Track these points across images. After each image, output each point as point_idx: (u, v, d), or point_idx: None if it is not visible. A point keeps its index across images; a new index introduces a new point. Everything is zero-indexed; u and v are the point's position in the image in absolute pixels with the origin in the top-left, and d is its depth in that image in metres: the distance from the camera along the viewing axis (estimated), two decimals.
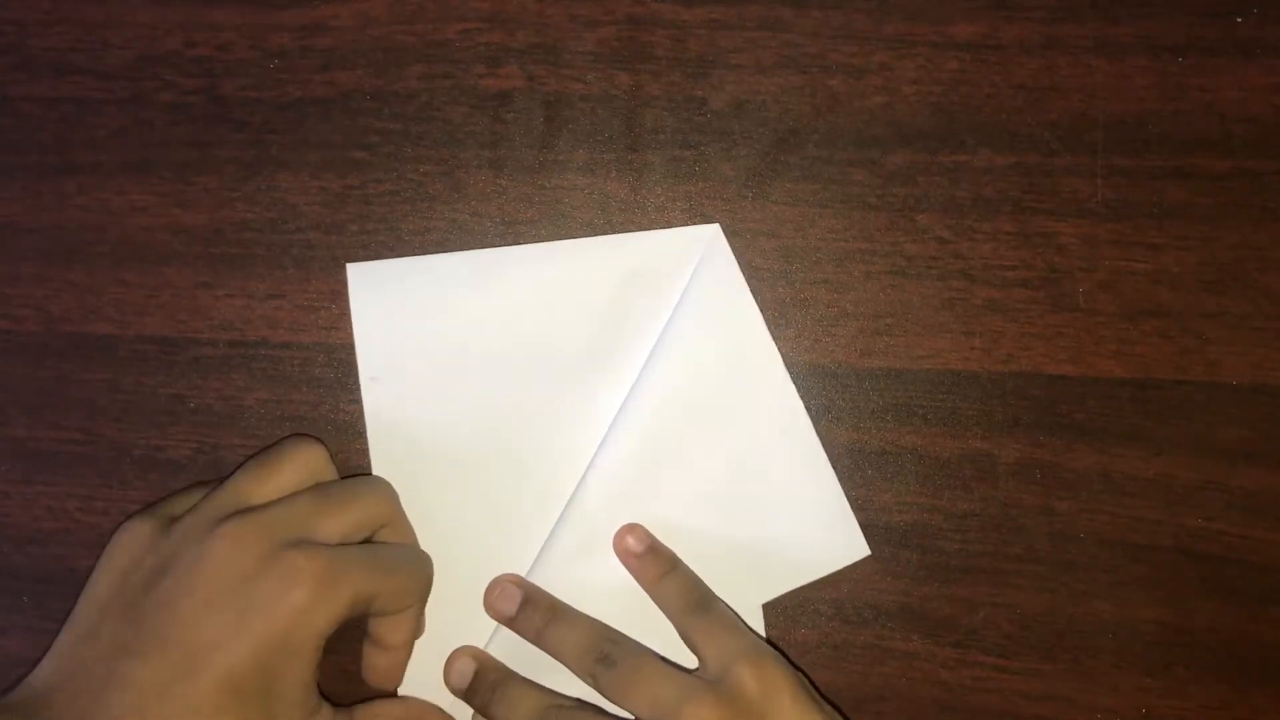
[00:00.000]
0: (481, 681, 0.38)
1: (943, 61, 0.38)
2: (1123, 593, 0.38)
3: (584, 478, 0.39)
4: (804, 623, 0.39)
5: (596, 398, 0.39)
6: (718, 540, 0.39)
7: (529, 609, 0.38)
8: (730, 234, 0.39)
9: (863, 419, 0.39)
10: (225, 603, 0.32)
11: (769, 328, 0.39)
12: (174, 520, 0.34)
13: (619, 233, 0.39)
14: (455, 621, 0.39)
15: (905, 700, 0.39)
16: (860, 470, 0.39)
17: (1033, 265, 0.38)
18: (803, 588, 0.39)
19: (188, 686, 0.31)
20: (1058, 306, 0.38)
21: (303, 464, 0.36)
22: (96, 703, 0.31)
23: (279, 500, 0.34)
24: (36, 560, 0.41)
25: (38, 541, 0.41)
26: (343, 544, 0.35)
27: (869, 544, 0.39)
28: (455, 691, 0.38)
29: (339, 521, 0.35)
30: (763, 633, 0.39)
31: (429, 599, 0.38)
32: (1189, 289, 0.38)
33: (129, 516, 0.35)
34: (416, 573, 0.37)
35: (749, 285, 0.39)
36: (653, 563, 0.38)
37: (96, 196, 0.40)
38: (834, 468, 0.39)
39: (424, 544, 0.39)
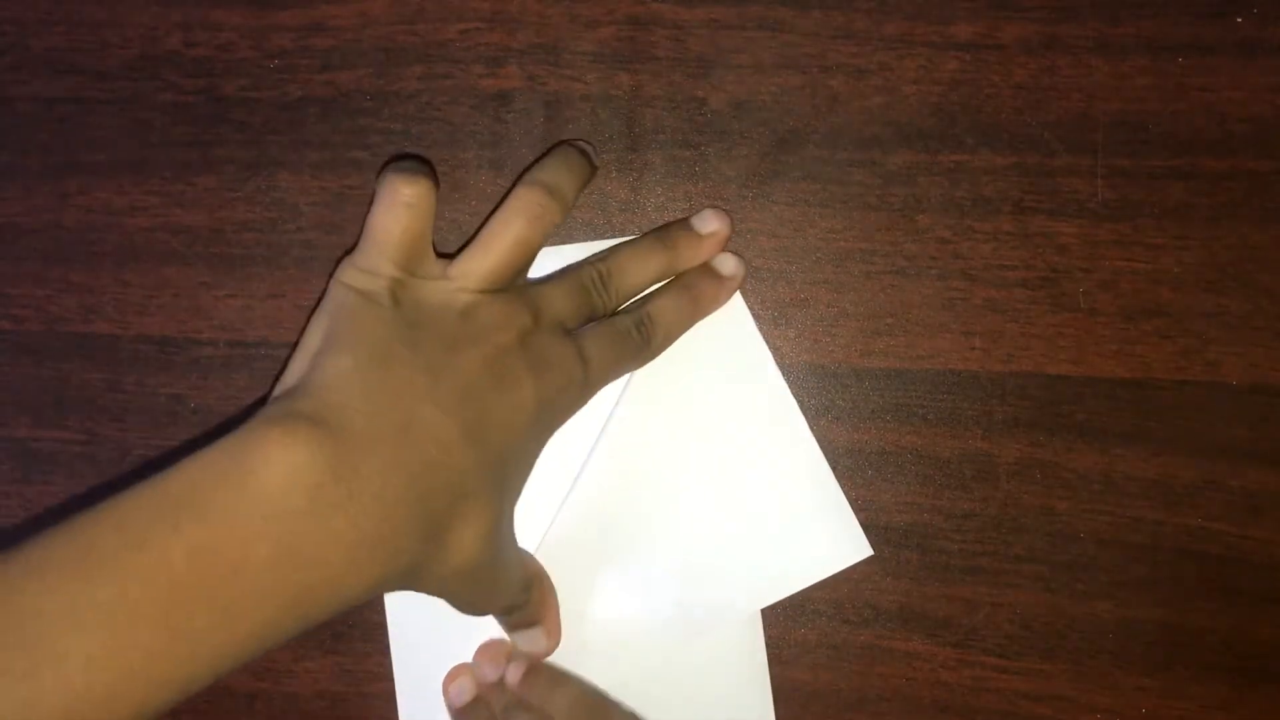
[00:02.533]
0: (485, 707, 0.38)
1: (943, 61, 0.38)
2: (1123, 593, 0.38)
3: (575, 485, 0.39)
4: (804, 623, 0.39)
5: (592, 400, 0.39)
6: (716, 546, 0.39)
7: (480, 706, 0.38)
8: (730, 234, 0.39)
9: (863, 419, 0.39)
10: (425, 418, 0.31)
11: (769, 327, 0.39)
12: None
13: (618, 234, 0.39)
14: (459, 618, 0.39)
15: (905, 700, 0.39)
16: (860, 470, 0.39)
17: (1033, 265, 0.38)
18: (803, 588, 0.39)
19: (470, 451, 0.31)
20: (1058, 306, 0.38)
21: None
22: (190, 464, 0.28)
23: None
24: None
25: None
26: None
27: (870, 543, 0.39)
28: (452, 708, 0.39)
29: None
30: (762, 637, 0.39)
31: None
32: (1189, 289, 0.38)
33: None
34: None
35: (749, 285, 0.39)
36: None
37: (96, 196, 0.40)
38: (834, 468, 0.39)
39: None
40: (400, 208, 0.34)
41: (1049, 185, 0.38)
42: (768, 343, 0.39)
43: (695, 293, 0.38)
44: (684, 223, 0.38)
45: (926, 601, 0.39)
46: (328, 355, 0.31)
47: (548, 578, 0.38)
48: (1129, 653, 0.38)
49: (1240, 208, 0.38)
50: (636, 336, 0.36)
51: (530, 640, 0.38)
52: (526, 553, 0.38)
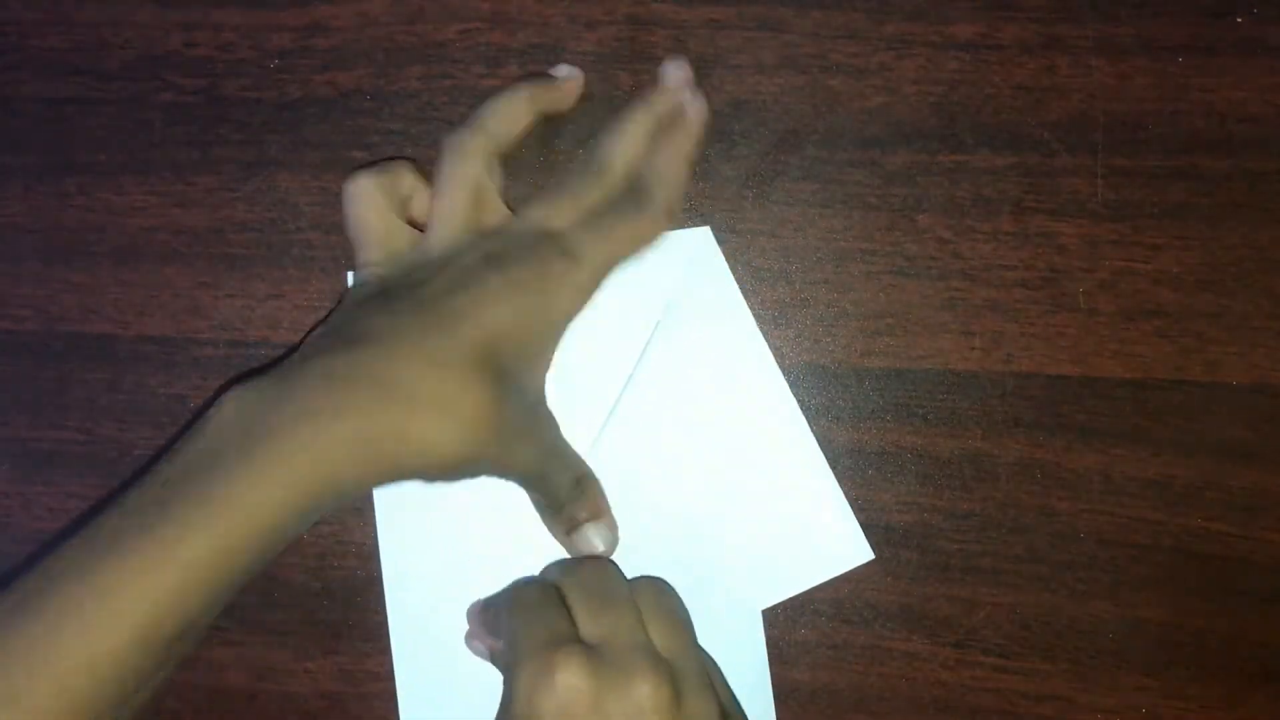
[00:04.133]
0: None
1: (943, 61, 0.38)
2: (1123, 593, 0.38)
3: None
4: (804, 623, 0.39)
5: (589, 401, 0.39)
6: (716, 548, 0.39)
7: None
8: (730, 234, 0.39)
9: (863, 419, 0.39)
10: (484, 280, 0.34)
11: (769, 327, 0.39)
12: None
13: None
14: (460, 616, 0.39)
15: (905, 700, 0.39)
16: (860, 470, 0.39)
17: (1033, 265, 0.38)
18: (802, 591, 0.39)
19: (442, 340, 0.33)
20: (1058, 306, 0.38)
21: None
22: (343, 355, 0.32)
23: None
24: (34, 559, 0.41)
25: (38, 541, 0.41)
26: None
27: (869, 544, 0.39)
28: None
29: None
30: (762, 638, 0.39)
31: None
32: (1189, 289, 0.38)
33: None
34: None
35: (749, 285, 0.39)
36: None
37: (96, 196, 0.40)
38: (834, 468, 0.39)
39: (421, 543, 0.39)
40: (347, 207, 0.37)
41: (1049, 185, 0.38)
42: (768, 343, 0.39)
43: (674, 131, 0.38)
44: (655, 85, 0.38)
45: (926, 601, 0.39)
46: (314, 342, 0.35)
47: (598, 480, 0.38)
48: (1129, 653, 0.38)
49: (1240, 208, 0.38)
50: (629, 203, 0.37)
51: (592, 536, 0.37)
52: (577, 455, 0.38)
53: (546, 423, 0.37)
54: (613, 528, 0.38)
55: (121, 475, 0.41)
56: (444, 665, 0.39)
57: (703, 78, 0.39)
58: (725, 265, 0.39)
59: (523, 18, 0.39)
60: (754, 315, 0.39)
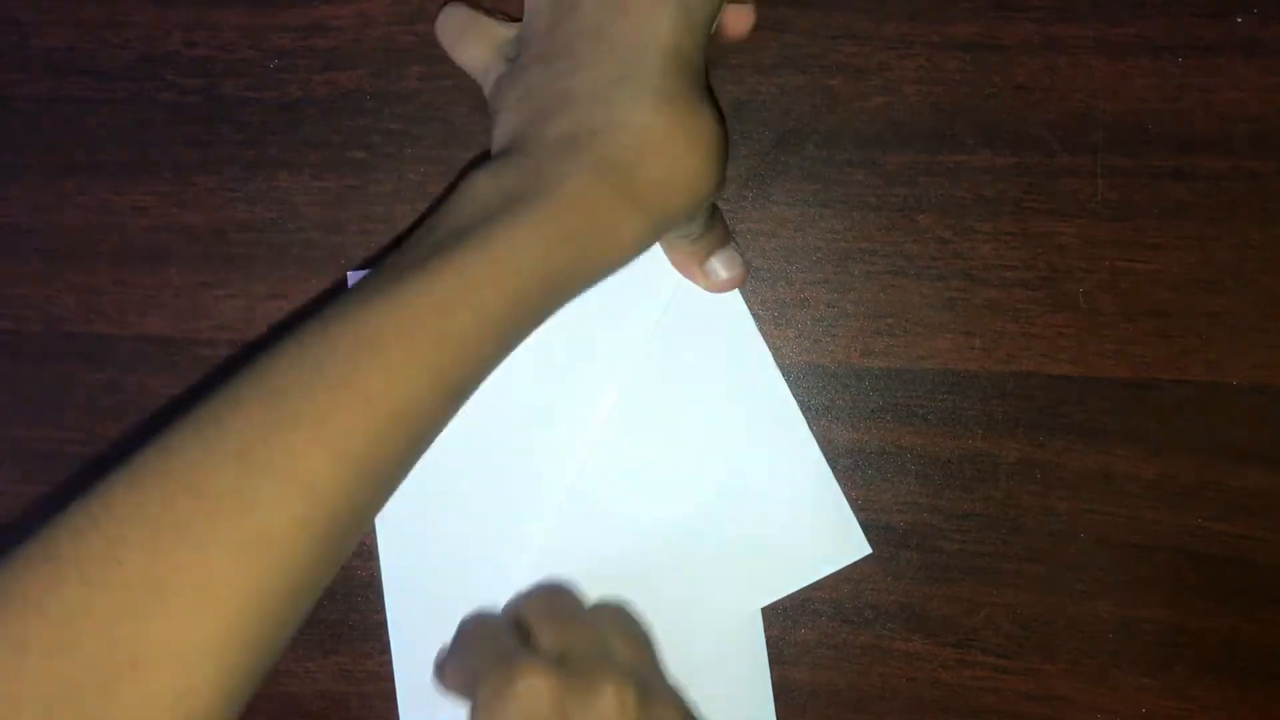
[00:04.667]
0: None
1: (943, 61, 0.38)
2: (1123, 593, 0.38)
3: (573, 485, 0.39)
4: (804, 623, 0.39)
5: (588, 400, 0.39)
6: (715, 545, 0.39)
7: None
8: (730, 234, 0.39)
9: (863, 419, 0.39)
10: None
11: (769, 327, 0.39)
12: None
13: None
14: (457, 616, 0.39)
15: (905, 700, 0.39)
16: (860, 470, 0.39)
17: (1033, 265, 0.38)
18: (803, 588, 0.39)
19: (645, 76, 0.31)
20: (1058, 306, 0.38)
21: None
22: (556, 120, 0.32)
23: None
24: None
25: None
26: None
27: (870, 543, 0.39)
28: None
29: None
30: (762, 637, 0.39)
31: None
32: (1189, 289, 0.38)
33: None
34: None
35: (749, 285, 0.39)
36: None
37: (96, 196, 0.40)
38: (834, 468, 0.39)
39: (421, 544, 0.39)
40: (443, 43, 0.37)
41: (1049, 185, 0.38)
42: (768, 343, 0.39)
43: None
44: None
45: (926, 601, 0.39)
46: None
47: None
48: (1129, 653, 0.38)
49: (1240, 208, 0.38)
50: None
51: (729, 260, 0.38)
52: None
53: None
54: (738, 254, 0.38)
55: None
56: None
57: None
58: (746, 308, 0.39)
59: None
60: (754, 315, 0.39)
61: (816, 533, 0.39)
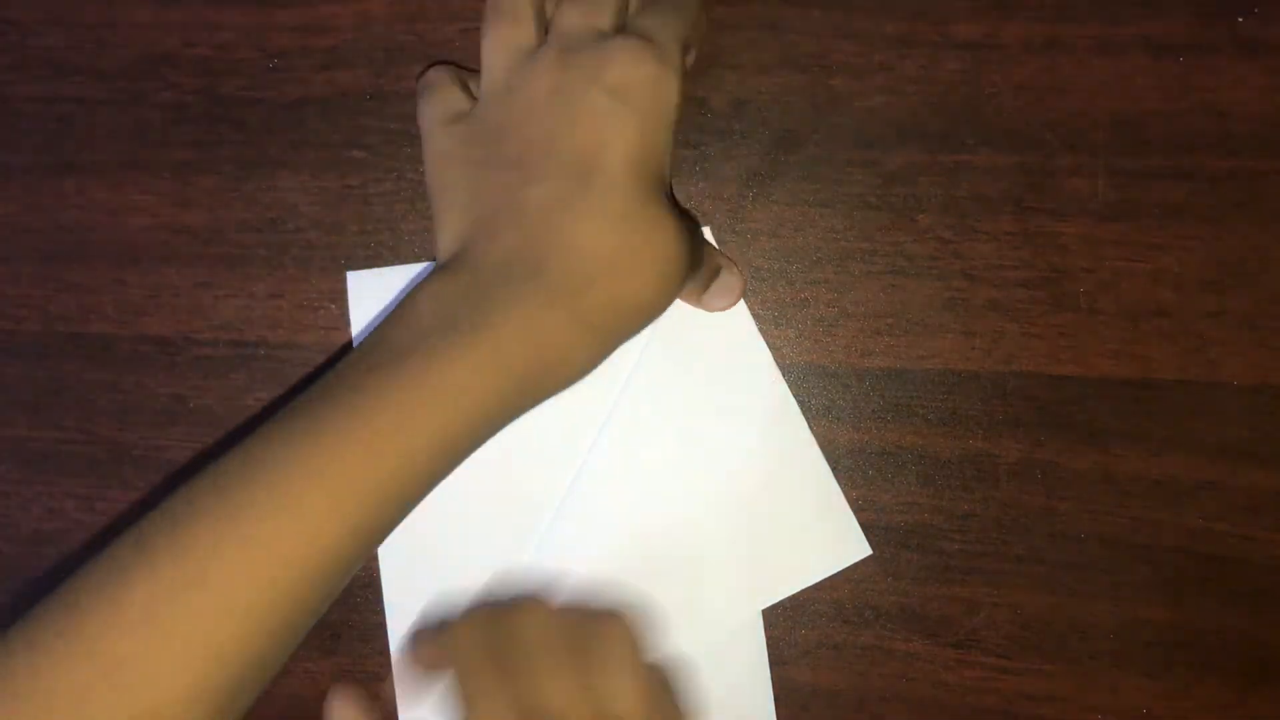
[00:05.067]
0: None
1: (944, 61, 0.38)
2: (1123, 593, 0.38)
3: (573, 485, 0.39)
4: (804, 623, 0.39)
5: (589, 401, 0.39)
6: (716, 546, 0.39)
7: None
8: (730, 234, 0.39)
9: (863, 419, 0.39)
10: (591, 105, 0.31)
11: (769, 327, 0.39)
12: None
13: None
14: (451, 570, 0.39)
15: (906, 701, 0.39)
16: (860, 470, 0.39)
17: (1034, 265, 0.38)
18: (803, 589, 0.39)
19: (598, 192, 0.31)
20: (1059, 306, 0.38)
21: None
22: (503, 236, 0.31)
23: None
24: (36, 560, 0.41)
25: (38, 541, 0.41)
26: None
27: (871, 544, 0.39)
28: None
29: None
30: (762, 638, 0.39)
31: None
32: (1190, 289, 0.38)
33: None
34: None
35: (749, 285, 0.39)
36: None
37: (96, 196, 0.40)
38: (834, 468, 0.39)
39: (420, 545, 0.39)
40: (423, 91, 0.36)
41: (1050, 185, 0.38)
42: (768, 343, 0.39)
43: None
44: None
45: (927, 602, 0.39)
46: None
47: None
48: (1129, 653, 0.38)
49: (1241, 208, 0.38)
50: None
51: (725, 289, 0.37)
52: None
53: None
54: (734, 276, 0.38)
55: (122, 475, 0.41)
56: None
57: (703, 77, 0.39)
58: (748, 314, 0.39)
59: None
60: (754, 315, 0.39)
61: (817, 534, 0.39)
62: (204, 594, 0.26)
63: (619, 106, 0.31)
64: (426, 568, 0.39)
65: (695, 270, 0.34)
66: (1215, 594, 0.38)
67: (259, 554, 0.27)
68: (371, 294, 0.39)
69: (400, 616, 0.40)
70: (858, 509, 0.39)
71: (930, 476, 0.39)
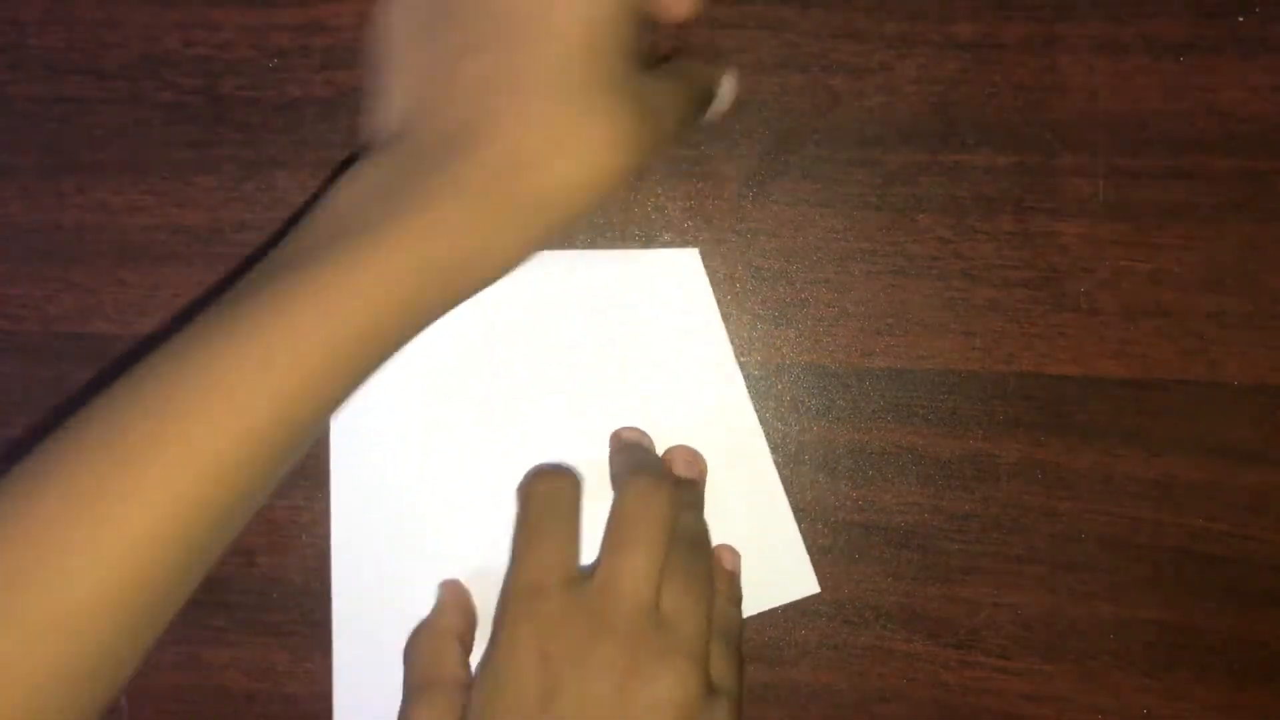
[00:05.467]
0: None
1: (944, 61, 0.38)
2: (1124, 593, 0.38)
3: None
4: (804, 623, 0.39)
5: (560, 415, 0.39)
6: None
7: None
8: (730, 234, 0.39)
9: (863, 419, 0.39)
10: None
11: (769, 327, 0.39)
12: None
13: (618, 235, 0.39)
14: (403, 573, 0.39)
15: (906, 701, 0.39)
16: (860, 470, 0.39)
17: (1034, 265, 0.38)
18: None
19: (536, 49, 0.28)
20: (1059, 306, 0.38)
21: None
22: (437, 115, 0.29)
23: None
24: None
25: None
26: None
27: (871, 544, 0.39)
28: None
29: None
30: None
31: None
32: (1190, 289, 0.38)
33: None
34: None
35: (749, 285, 0.39)
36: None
37: (96, 196, 0.40)
38: (834, 468, 0.39)
39: (386, 542, 0.39)
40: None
41: (1050, 185, 0.38)
42: (768, 343, 0.39)
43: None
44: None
45: (927, 602, 0.39)
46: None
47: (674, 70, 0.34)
48: (1129, 653, 0.38)
49: (1241, 208, 0.38)
50: None
51: (725, 91, 0.36)
52: (681, 72, 0.34)
53: (655, 79, 0.31)
54: (730, 79, 0.36)
55: None
56: (387, 675, 0.39)
57: None
58: (709, 289, 0.39)
59: None
60: (754, 315, 0.39)
61: (766, 564, 0.39)
62: (134, 481, 0.26)
63: None
64: (376, 572, 0.39)
65: (664, 143, 0.31)
66: (1215, 594, 0.38)
67: (190, 446, 0.26)
68: None
69: (347, 617, 0.39)
70: (858, 509, 0.39)
71: (930, 476, 0.39)
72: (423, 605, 0.39)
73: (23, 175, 0.41)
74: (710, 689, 0.34)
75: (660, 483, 0.36)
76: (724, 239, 0.39)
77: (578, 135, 0.28)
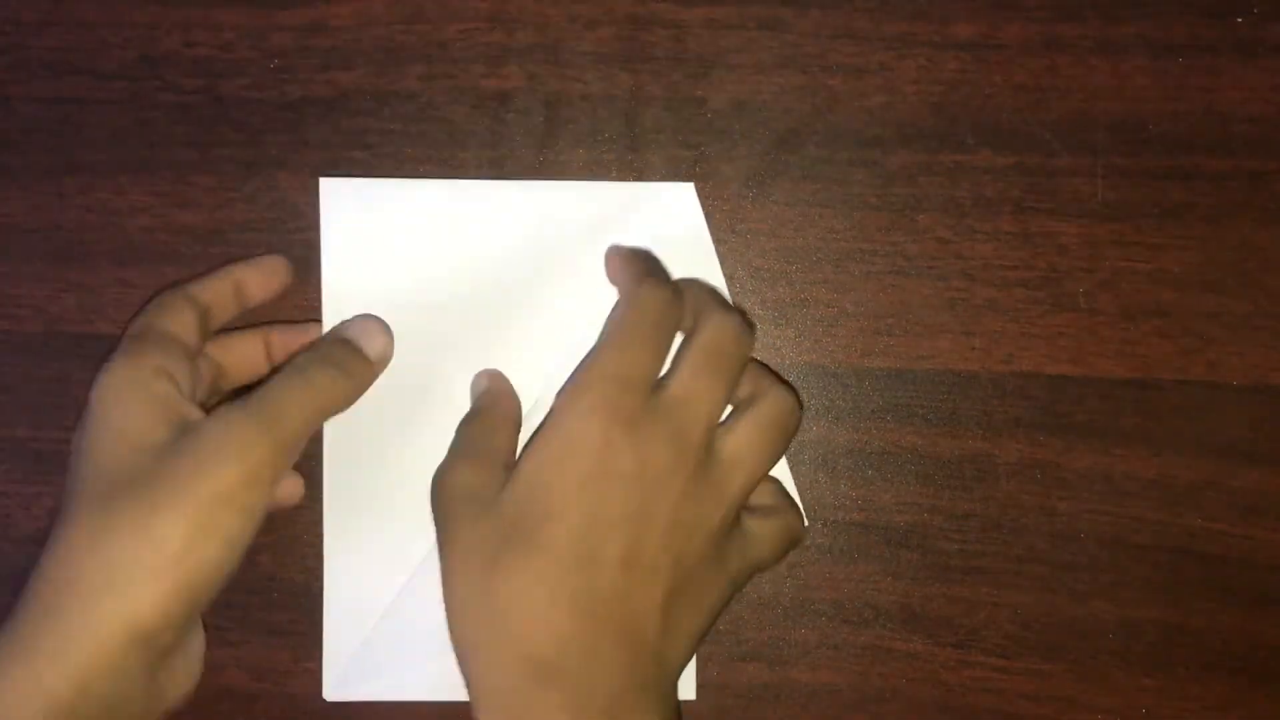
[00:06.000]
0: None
1: (943, 61, 0.38)
2: (1123, 593, 0.38)
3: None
4: (804, 623, 0.39)
5: (549, 345, 0.39)
6: None
7: None
8: (730, 234, 0.39)
9: (863, 419, 0.39)
10: None
11: (769, 327, 0.39)
12: None
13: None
14: (393, 534, 0.39)
15: (906, 701, 0.39)
16: (860, 470, 0.39)
17: (1033, 265, 0.38)
18: (802, 587, 0.39)
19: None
20: (1058, 306, 0.38)
21: None
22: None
23: None
24: (36, 561, 0.41)
25: (38, 541, 0.41)
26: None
27: (870, 544, 0.39)
28: None
29: None
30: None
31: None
32: (1190, 289, 0.38)
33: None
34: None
35: (749, 285, 0.39)
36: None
37: (96, 196, 0.40)
38: (834, 468, 0.39)
39: (368, 474, 0.39)
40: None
41: (1049, 185, 0.38)
42: (768, 344, 0.39)
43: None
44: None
45: (927, 602, 0.39)
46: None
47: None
48: (1129, 653, 0.38)
49: (1240, 208, 0.38)
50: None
51: (374, 345, 0.37)
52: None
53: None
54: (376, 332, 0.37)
55: None
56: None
57: (703, 77, 0.39)
58: (704, 224, 0.39)
59: (523, 17, 0.39)
60: (754, 315, 0.39)
61: None
62: None
63: None
64: (371, 530, 0.39)
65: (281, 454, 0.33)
66: (1215, 594, 0.38)
67: None
68: (347, 203, 0.39)
69: (339, 575, 0.39)
70: (858, 509, 0.39)
71: (930, 476, 0.39)
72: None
73: (24, 175, 0.41)
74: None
75: (747, 328, 0.35)
76: (724, 239, 0.39)
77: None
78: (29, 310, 0.41)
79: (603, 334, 0.35)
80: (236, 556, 0.32)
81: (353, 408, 0.36)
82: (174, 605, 0.30)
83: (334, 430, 0.39)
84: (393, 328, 0.38)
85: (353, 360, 0.36)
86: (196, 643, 0.34)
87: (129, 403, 0.33)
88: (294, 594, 0.40)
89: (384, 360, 0.37)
